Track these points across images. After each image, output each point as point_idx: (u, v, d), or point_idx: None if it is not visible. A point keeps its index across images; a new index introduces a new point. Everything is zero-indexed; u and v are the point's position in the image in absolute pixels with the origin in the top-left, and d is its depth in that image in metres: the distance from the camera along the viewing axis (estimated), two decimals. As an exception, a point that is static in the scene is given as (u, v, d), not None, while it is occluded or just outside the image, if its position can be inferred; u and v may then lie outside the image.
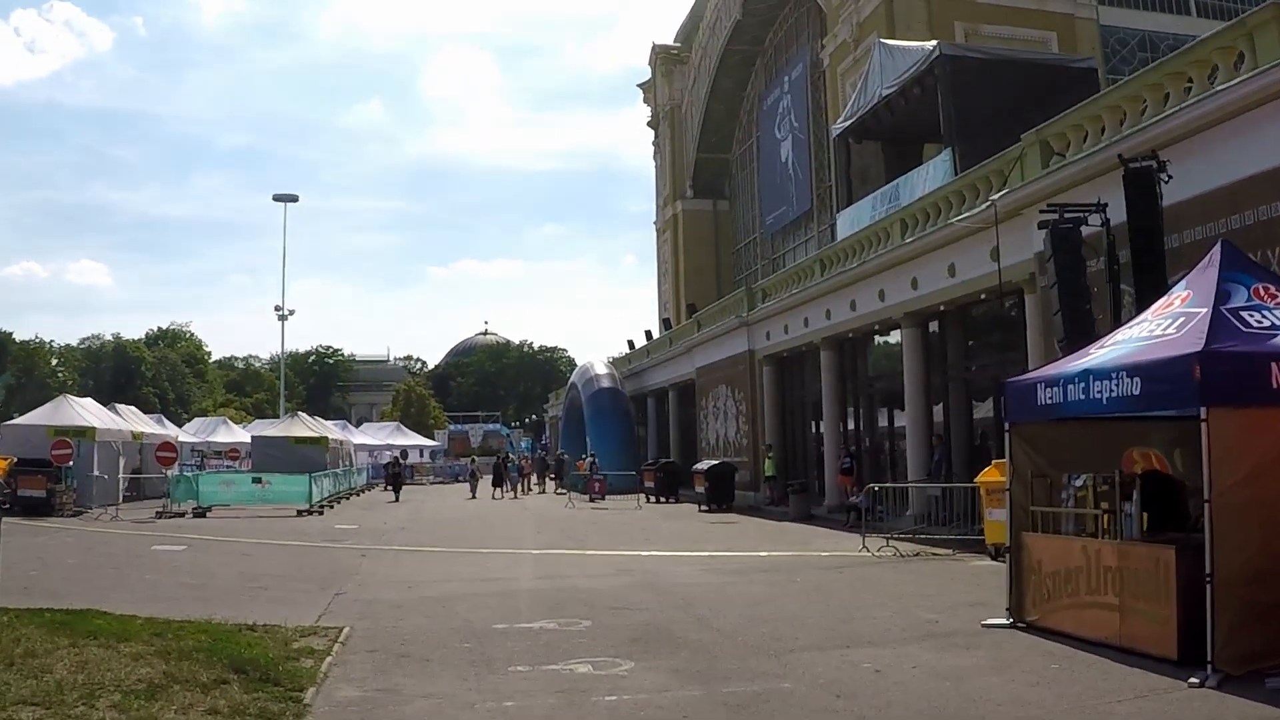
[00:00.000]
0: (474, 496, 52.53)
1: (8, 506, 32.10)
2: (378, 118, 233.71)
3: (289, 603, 16.30)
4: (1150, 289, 15.04)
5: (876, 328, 32.10)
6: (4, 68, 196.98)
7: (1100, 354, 12.25)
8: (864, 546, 23.10)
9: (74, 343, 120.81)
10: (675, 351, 55.15)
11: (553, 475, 58.60)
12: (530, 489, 55.72)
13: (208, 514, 37.08)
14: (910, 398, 29.30)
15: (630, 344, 72.25)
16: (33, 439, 37.93)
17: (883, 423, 33.94)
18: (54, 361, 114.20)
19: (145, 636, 12.01)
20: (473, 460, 63.89)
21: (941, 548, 22.92)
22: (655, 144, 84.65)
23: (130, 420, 48.53)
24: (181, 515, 36.64)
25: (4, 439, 39.19)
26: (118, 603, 15.29)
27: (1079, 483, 12.95)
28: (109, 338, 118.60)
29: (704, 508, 40.07)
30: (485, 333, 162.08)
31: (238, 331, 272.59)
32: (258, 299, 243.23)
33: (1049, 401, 12.66)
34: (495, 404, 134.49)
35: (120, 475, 40.41)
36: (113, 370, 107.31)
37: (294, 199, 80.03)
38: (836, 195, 40.20)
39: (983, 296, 26.08)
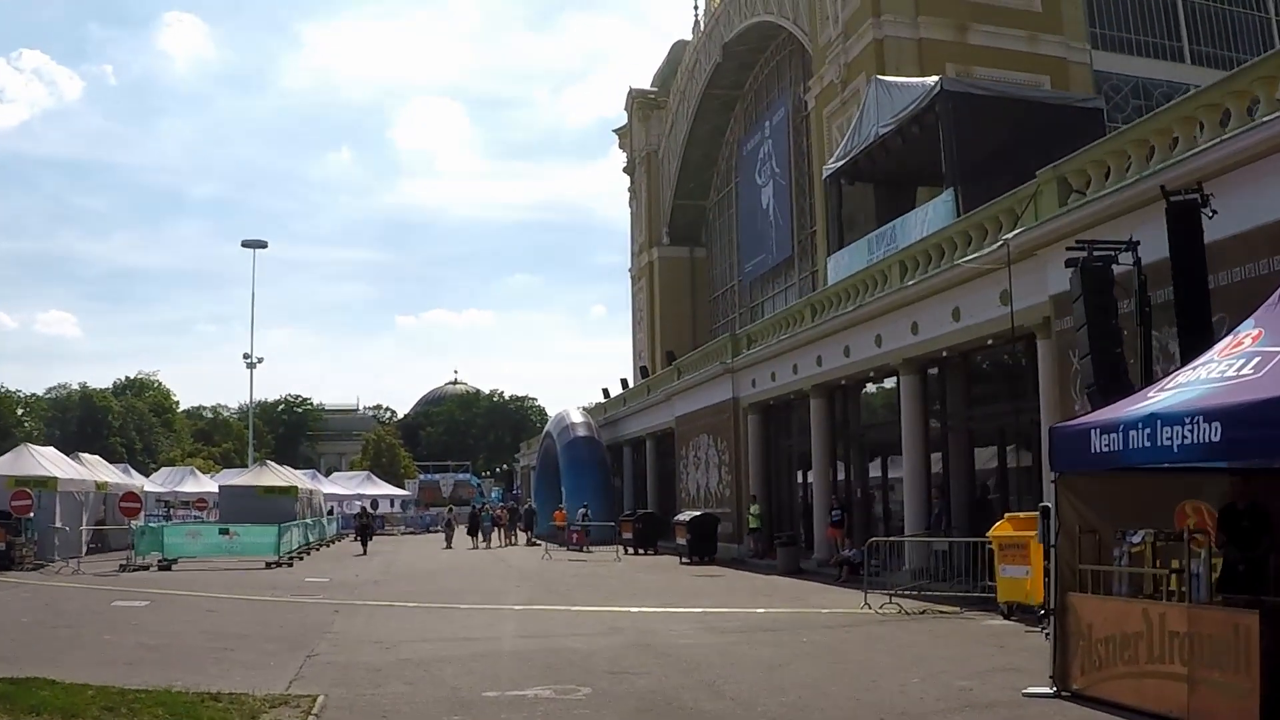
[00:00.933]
0: (449, 547, 50.91)
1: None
2: (349, 169, 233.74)
3: (257, 666, 14.94)
4: (1195, 329, 13.97)
5: (872, 374, 30.93)
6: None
7: (1165, 397, 11.02)
8: (865, 603, 21.87)
9: (40, 392, 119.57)
10: (653, 400, 53.93)
11: (523, 526, 56.79)
12: (505, 540, 54.01)
13: (173, 566, 35.76)
14: (908, 447, 28.12)
15: (605, 392, 71.07)
16: (-9, 490, 36.34)
17: (875, 473, 32.75)
18: (19, 411, 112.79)
19: (95, 712, 10.65)
20: (450, 509, 62.21)
21: (947, 605, 21.64)
22: (631, 190, 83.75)
23: (94, 470, 46.98)
24: (146, 568, 35.26)
25: (-39, 490, 37.59)
26: (71, 667, 14.06)
27: (1136, 539, 11.77)
28: (76, 387, 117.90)
29: (685, 560, 38.84)
30: (455, 382, 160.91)
31: (206, 381, 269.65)
32: (226, 348, 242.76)
33: (1105, 450, 11.38)
34: (465, 453, 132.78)
35: (84, 527, 39.46)
36: (79, 420, 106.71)
37: (263, 245, 78.75)
38: (828, 238, 39.13)
39: (989, 342, 25.02)
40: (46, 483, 38.22)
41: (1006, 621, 19.36)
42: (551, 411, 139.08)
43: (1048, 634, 16.60)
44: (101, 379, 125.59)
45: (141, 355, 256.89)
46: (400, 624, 20.44)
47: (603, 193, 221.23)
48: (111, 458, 72.56)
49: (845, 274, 33.29)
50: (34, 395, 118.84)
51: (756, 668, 14.63)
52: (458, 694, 12.74)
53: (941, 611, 21.12)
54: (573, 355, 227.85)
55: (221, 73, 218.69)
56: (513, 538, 53.65)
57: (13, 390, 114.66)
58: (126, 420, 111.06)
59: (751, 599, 24.86)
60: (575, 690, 12.80)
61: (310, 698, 12.16)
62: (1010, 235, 22.53)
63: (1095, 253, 16.60)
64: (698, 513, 40.78)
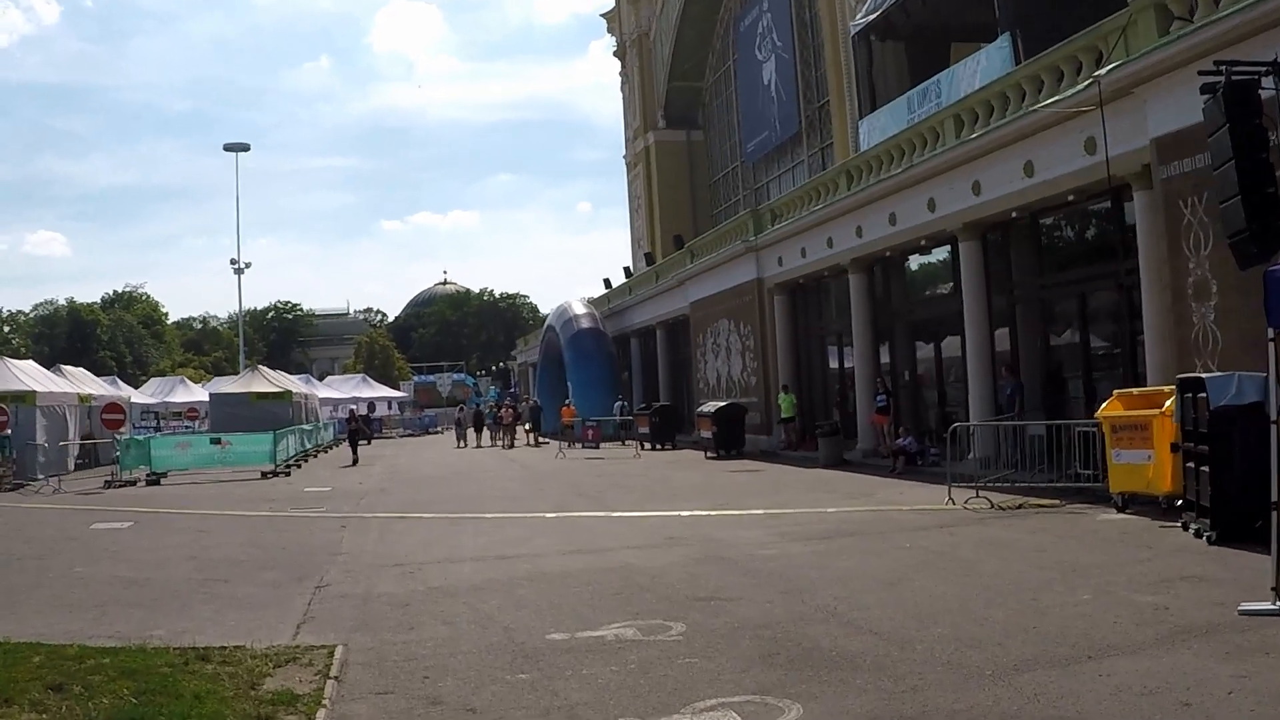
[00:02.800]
0: (463, 445, 47.94)
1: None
2: (325, 78, 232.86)
3: (255, 605, 12.19)
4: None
5: (923, 243, 27.86)
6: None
7: None
8: (949, 498, 19.11)
9: (27, 310, 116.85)
10: (663, 286, 50.85)
11: (529, 425, 53.49)
12: (509, 439, 50.98)
13: (162, 481, 33.42)
14: (971, 321, 25.17)
15: (607, 282, 67.94)
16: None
17: (924, 354, 29.89)
18: (6, 330, 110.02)
19: (36, 691, 7.82)
20: (460, 408, 59.16)
21: (1040, 498, 18.87)
22: (622, 74, 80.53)
23: (78, 382, 44.51)
24: (133, 484, 32.93)
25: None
26: (28, 614, 11.63)
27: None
28: (62, 302, 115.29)
29: (711, 454, 36.24)
30: (444, 283, 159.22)
31: (196, 293, 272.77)
32: (214, 260, 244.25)
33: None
34: (458, 354, 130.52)
35: (69, 442, 37.47)
36: (67, 335, 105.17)
37: (245, 148, 75.87)
38: (858, 100, 35.75)
39: (1070, 198, 22.00)
40: (24, 397, 35.94)
41: (1126, 515, 16.63)
42: (544, 309, 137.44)
43: (1200, 531, 13.98)
44: (93, 296, 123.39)
45: (131, 271, 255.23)
46: (420, 540, 17.64)
47: (582, 88, 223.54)
48: (101, 371, 71.11)
49: (882, 137, 30.16)
50: (20, 313, 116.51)
51: (873, 585, 11.82)
52: (513, 638, 9.94)
53: (1041, 505, 18.38)
54: (561, 253, 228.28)
55: None
56: (515, 437, 50.59)
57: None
58: (115, 333, 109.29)
59: (810, 497, 22.09)
60: (666, 628, 9.99)
61: (326, 650, 9.40)
62: (1103, 71, 19.42)
63: (1235, 76, 13.54)
64: (722, 403, 37.91)
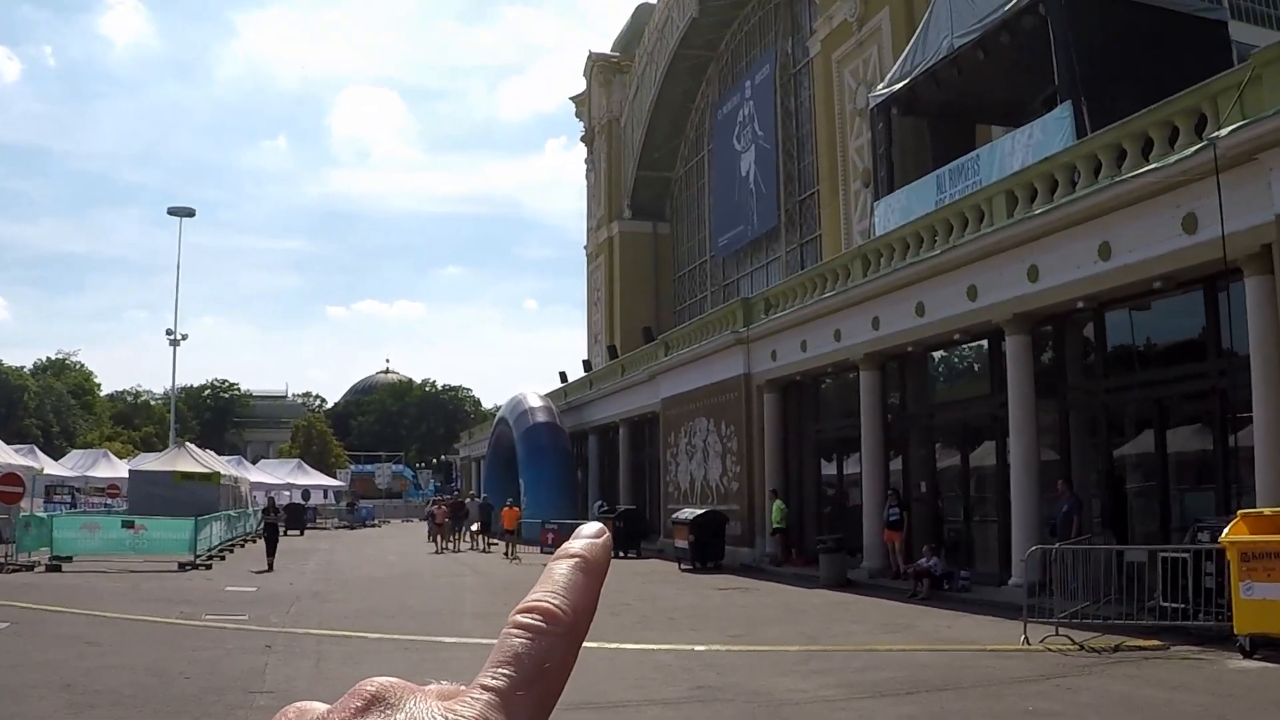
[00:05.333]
0: (440, 552, 42.89)
1: None
2: (281, 158, 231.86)
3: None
4: None
5: (957, 337, 24.31)
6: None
7: None
8: (1025, 637, 15.42)
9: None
10: (630, 380, 47.05)
11: (475, 526, 48.06)
12: (447, 542, 45.43)
13: (64, 567, 29.41)
14: (1017, 428, 21.60)
15: (563, 376, 64.22)
16: None
17: (948, 462, 26.29)
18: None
19: None
20: (437, 502, 52.94)
21: (1131, 636, 15.23)
22: (589, 161, 77.89)
23: (-22, 451, 39.94)
24: (30, 568, 28.88)
25: None
26: None
27: None
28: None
29: (687, 566, 32.39)
30: (386, 371, 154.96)
31: (133, 368, 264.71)
32: (154, 335, 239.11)
33: None
34: (397, 444, 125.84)
35: None
36: None
37: (190, 213, 71.82)
38: (874, 180, 32.37)
39: (1156, 285, 18.57)
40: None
41: (1259, 662, 13.14)
42: (487, 403, 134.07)
43: None
44: (28, 362, 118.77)
45: (70, 340, 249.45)
46: (369, 673, 13.38)
47: (536, 185, 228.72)
48: (26, 440, 67.10)
49: (905, 219, 26.82)
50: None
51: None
52: None
53: (1142, 648, 14.77)
54: (506, 348, 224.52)
55: (160, 58, 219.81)
56: (455, 540, 45.41)
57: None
58: (43, 401, 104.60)
59: (841, 629, 18.26)
60: None
61: None
62: (1222, 133, 16.17)
63: None
64: (701, 510, 34.01)
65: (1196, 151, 16.65)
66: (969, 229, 22.91)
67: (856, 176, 40.82)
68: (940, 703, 11.50)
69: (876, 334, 26.54)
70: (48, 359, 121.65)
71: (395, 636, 17.24)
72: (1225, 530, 14.35)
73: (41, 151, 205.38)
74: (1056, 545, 17.04)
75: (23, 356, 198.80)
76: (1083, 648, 14.86)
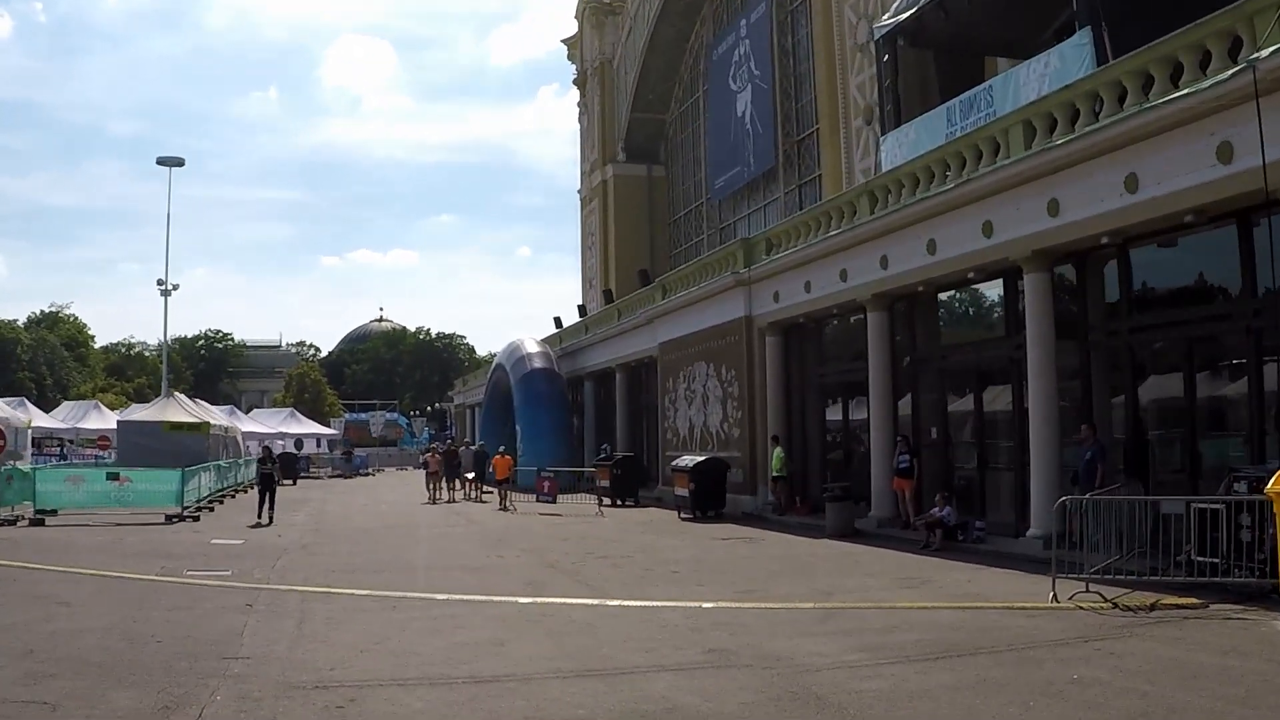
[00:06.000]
0: (433, 501, 41.50)
1: None
2: (272, 108, 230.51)
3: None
4: None
5: (972, 275, 23.18)
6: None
7: None
8: (1054, 595, 14.47)
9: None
10: (627, 325, 45.99)
11: (470, 475, 46.43)
12: (457, 491, 44.01)
13: (47, 521, 28.51)
14: (1036, 370, 20.57)
15: (558, 321, 63.11)
16: None
17: (959, 406, 25.26)
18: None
19: None
20: (430, 450, 49.95)
21: (1167, 593, 14.25)
22: (581, 104, 77.11)
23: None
24: (12, 523, 28.04)
25: None
26: None
27: None
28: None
29: (687, 515, 31.48)
30: (380, 320, 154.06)
31: (126, 320, 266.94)
32: (148, 288, 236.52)
33: None
34: (391, 392, 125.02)
35: None
36: None
37: (180, 162, 69.56)
38: (880, 114, 31.11)
39: (1187, 219, 17.47)
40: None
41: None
42: (481, 351, 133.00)
43: None
44: (22, 316, 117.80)
45: (64, 293, 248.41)
46: (353, 638, 12.55)
47: (527, 133, 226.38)
48: (18, 394, 67.46)
49: (914, 154, 25.66)
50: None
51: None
52: None
53: (1180, 606, 13.78)
54: (499, 296, 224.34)
55: (150, 9, 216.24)
56: (453, 487, 44.10)
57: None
58: (36, 354, 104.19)
59: (854, 582, 17.32)
60: None
61: None
62: (1263, 54, 15.06)
63: None
64: (702, 457, 33.04)
65: (1235, 74, 15.52)
66: (984, 162, 21.75)
67: (858, 113, 39.68)
68: (975, 669, 10.53)
69: (885, 273, 25.45)
70: (41, 312, 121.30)
71: (383, 593, 16.27)
72: (1271, 480, 13.35)
73: (31, 105, 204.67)
74: (1087, 495, 15.94)
75: (16, 310, 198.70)
76: (1116, 606, 13.88)
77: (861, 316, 27.13)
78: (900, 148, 27.18)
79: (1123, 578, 14.94)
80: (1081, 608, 13.87)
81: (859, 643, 11.90)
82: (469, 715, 9.04)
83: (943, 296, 25.67)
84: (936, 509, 22.26)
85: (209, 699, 9.39)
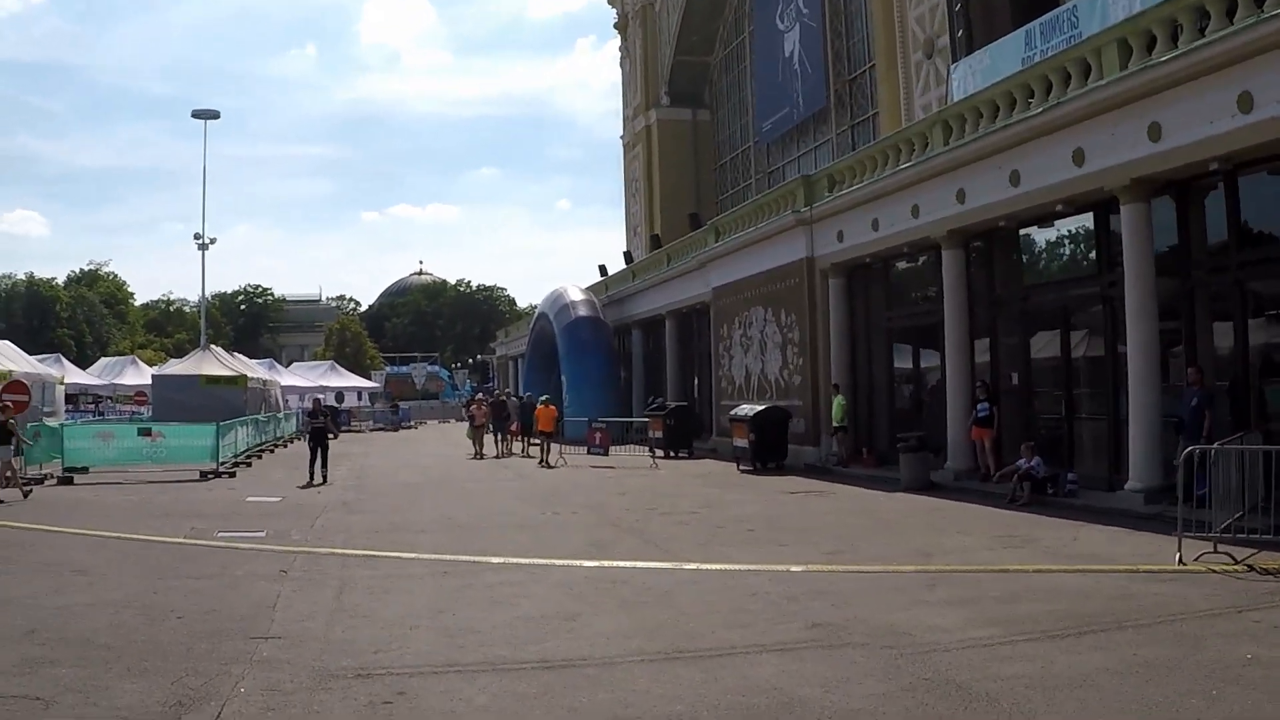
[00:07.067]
0: (479, 455, 39.28)
1: None
2: (310, 65, 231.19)
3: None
4: None
5: (1060, 208, 21.38)
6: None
7: None
8: (1180, 557, 12.90)
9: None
10: (677, 269, 44.27)
11: (515, 428, 44.71)
12: (483, 445, 42.11)
13: (76, 479, 27.33)
14: (1135, 311, 18.85)
15: (603, 269, 61.40)
16: None
17: (1040, 352, 23.59)
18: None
19: None
20: (476, 401, 45.84)
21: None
22: (623, 49, 75.26)
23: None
24: (39, 482, 26.70)
25: None
26: None
27: None
28: (21, 277, 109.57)
29: (746, 467, 30.04)
30: (420, 273, 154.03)
31: (167, 278, 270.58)
32: (188, 247, 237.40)
33: None
34: (431, 345, 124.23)
35: None
36: (24, 311, 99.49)
37: (215, 115, 68.33)
38: (953, 39, 29.32)
39: (1318, 138, 15.74)
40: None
41: None
42: (521, 303, 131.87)
43: None
44: (60, 275, 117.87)
45: (106, 253, 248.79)
46: (399, 612, 11.09)
47: (566, 86, 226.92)
48: (59, 350, 67.59)
49: (989, 81, 23.91)
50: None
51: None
52: None
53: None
54: (539, 249, 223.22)
55: None
56: (498, 441, 42.46)
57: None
58: (76, 311, 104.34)
59: (953, 542, 15.72)
60: None
61: None
62: None
63: None
64: (762, 406, 31.49)
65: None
66: (1073, 85, 19.98)
67: (918, 47, 37.69)
68: (1129, 648, 8.99)
69: (962, 208, 23.72)
70: (80, 270, 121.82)
71: (431, 556, 14.84)
72: None
73: (67, 68, 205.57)
74: (1215, 445, 14.30)
75: (56, 270, 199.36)
76: (1253, 569, 12.36)
77: (934, 256, 25.42)
78: (974, 75, 25.52)
79: (1244, 536, 13.38)
80: (1214, 571, 12.32)
81: (982, 614, 10.35)
82: (543, 714, 7.57)
83: (1024, 232, 23.90)
84: (1023, 459, 20.65)
85: (231, 692, 7.97)
